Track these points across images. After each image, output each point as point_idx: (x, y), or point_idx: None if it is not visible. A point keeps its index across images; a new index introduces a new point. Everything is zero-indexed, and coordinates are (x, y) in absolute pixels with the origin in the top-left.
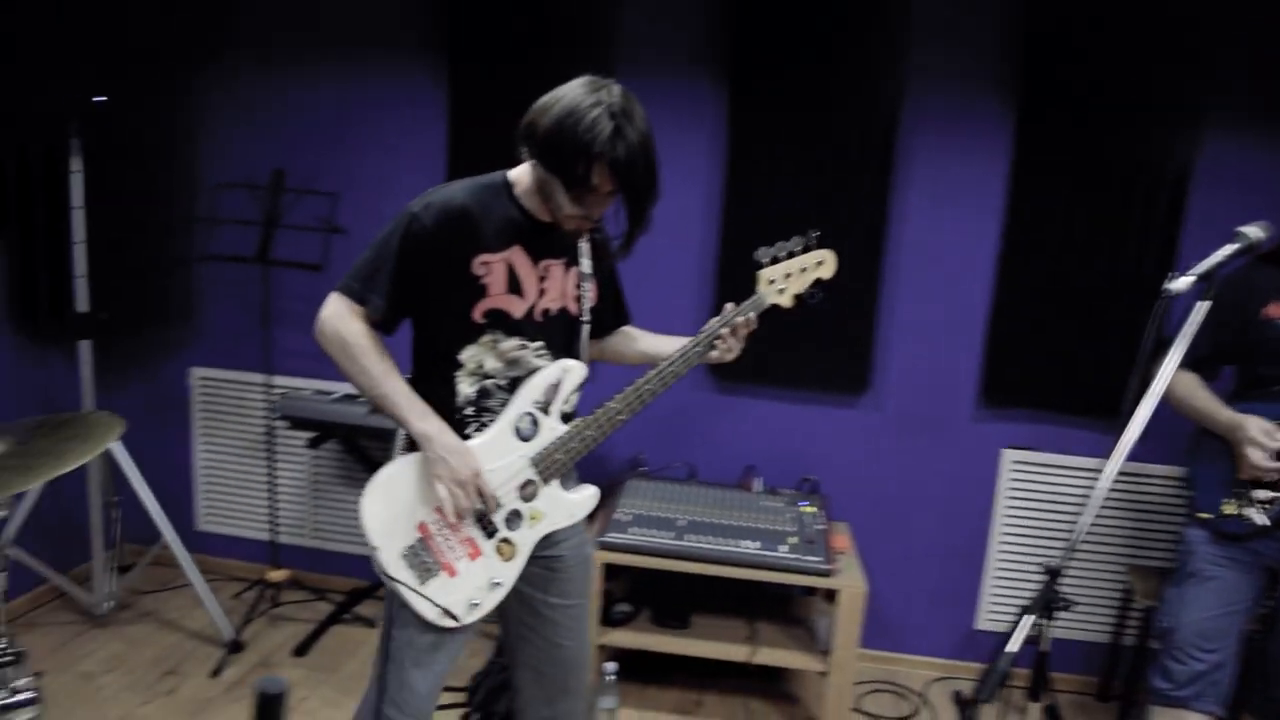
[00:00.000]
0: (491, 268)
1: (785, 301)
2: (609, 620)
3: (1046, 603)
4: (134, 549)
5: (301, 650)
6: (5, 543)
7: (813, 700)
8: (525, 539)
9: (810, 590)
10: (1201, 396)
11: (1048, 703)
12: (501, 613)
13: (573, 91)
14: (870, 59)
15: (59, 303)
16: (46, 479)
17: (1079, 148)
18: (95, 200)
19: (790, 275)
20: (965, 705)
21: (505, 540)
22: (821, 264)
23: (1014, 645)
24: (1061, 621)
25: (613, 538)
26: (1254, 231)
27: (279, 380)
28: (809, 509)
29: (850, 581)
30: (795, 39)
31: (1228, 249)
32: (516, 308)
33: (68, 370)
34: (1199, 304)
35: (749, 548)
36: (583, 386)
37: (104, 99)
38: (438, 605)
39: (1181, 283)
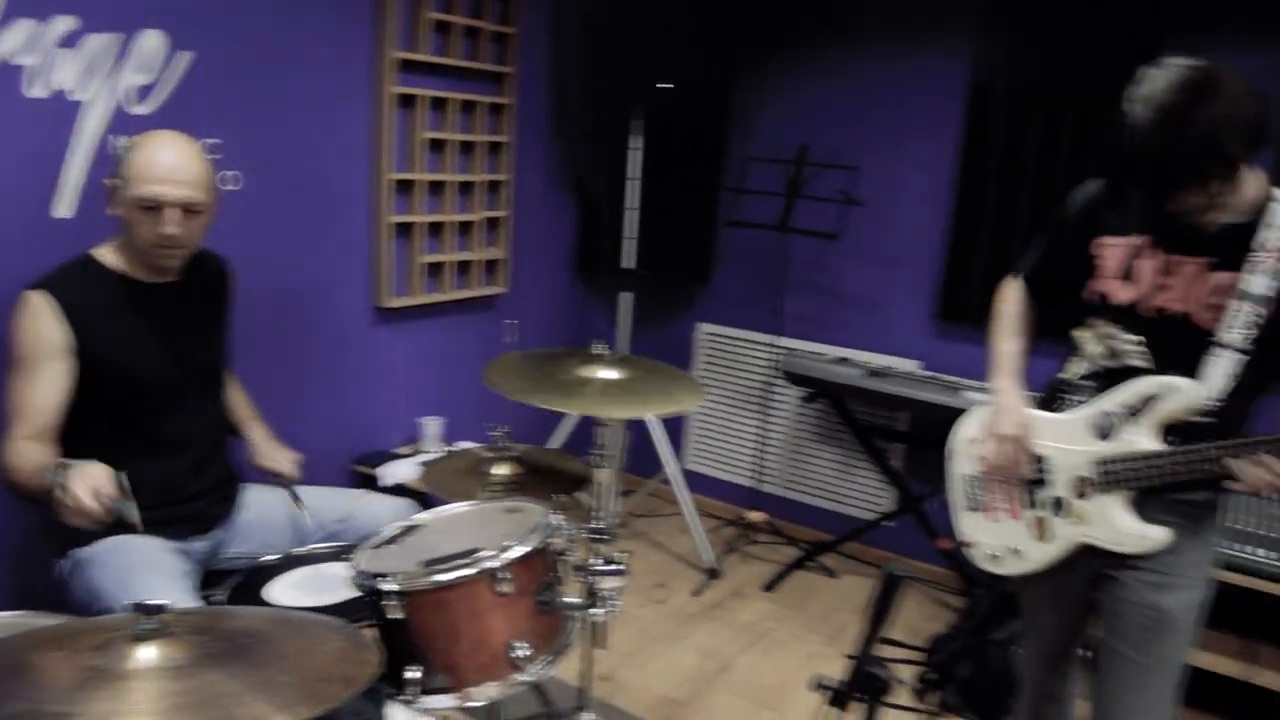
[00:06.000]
0: (1110, 251)
1: None
2: None
3: None
4: (631, 478)
5: (769, 587)
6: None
7: None
8: (1062, 531)
9: None
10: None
11: None
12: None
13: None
14: None
15: (613, 258)
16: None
17: None
18: (651, 171)
19: None
20: None
21: (1041, 518)
22: None
23: None
24: None
25: None
26: None
27: (783, 341)
28: None
29: None
30: None
31: None
32: (1121, 294)
33: (606, 313)
34: None
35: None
36: (1201, 413)
37: (669, 86)
38: (963, 533)
39: None
